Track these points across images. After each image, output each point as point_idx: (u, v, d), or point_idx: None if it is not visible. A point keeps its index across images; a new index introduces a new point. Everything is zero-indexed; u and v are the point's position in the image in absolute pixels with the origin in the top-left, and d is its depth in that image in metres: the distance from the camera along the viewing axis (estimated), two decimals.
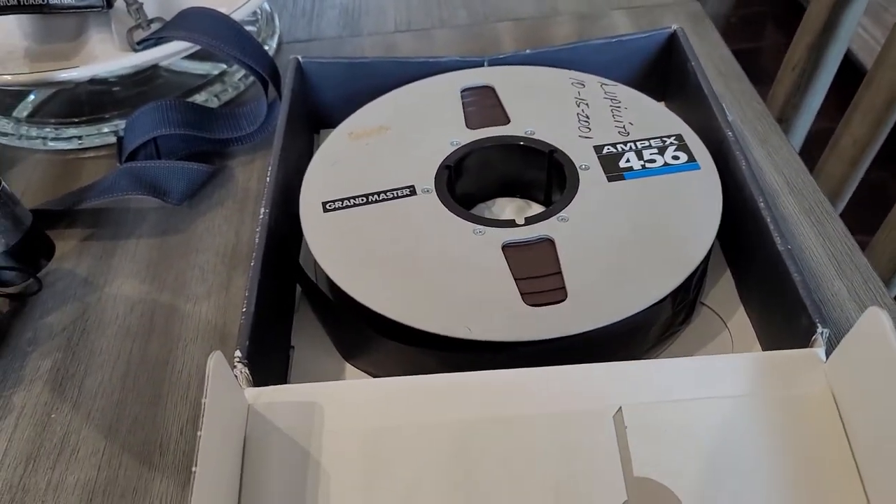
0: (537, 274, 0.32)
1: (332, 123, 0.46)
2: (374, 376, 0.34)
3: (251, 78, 0.53)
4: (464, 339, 0.30)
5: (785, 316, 0.30)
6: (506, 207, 0.40)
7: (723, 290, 0.36)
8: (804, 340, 0.29)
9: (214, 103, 0.50)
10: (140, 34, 0.45)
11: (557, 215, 0.35)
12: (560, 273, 0.32)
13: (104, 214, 0.44)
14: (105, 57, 0.45)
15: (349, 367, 0.35)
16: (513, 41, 0.55)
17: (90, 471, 0.32)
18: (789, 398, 0.27)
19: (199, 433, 0.23)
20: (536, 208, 0.40)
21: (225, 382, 0.25)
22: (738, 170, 0.34)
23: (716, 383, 0.27)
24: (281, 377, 0.34)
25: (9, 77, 0.45)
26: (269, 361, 0.32)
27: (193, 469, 0.22)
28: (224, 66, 0.53)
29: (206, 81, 0.52)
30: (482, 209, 0.40)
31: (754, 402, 0.27)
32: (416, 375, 0.28)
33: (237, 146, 0.47)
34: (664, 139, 0.38)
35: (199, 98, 0.50)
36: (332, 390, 0.28)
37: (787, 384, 0.27)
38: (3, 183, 0.36)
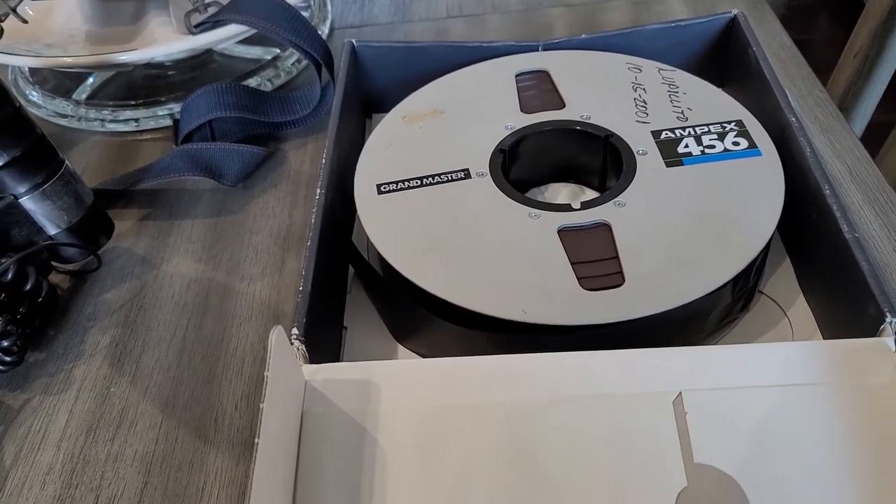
0: (594, 258, 0.32)
1: (385, 108, 0.46)
2: (424, 356, 0.34)
3: (304, 63, 0.53)
4: (519, 322, 0.30)
5: (850, 305, 0.30)
6: (560, 192, 0.40)
7: (782, 280, 0.35)
8: (871, 330, 0.28)
9: (268, 87, 0.51)
10: (197, 18, 0.45)
11: (614, 200, 0.34)
12: (617, 258, 0.32)
13: (160, 195, 0.44)
14: (164, 40, 0.45)
15: (401, 349, 0.35)
16: (566, 27, 0.54)
17: (148, 443, 0.33)
18: (857, 388, 0.26)
19: (261, 405, 0.23)
20: (591, 194, 0.40)
21: (285, 358, 0.26)
22: (802, 156, 0.34)
23: (780, 371, 0.27)
24: (334, 357, 0.34)
25: (69, 59, 0.46)
26: (322, 340, 0.32)
27: (256, 440, 0.22)
28: (277, 51, 0.53)
29: (259, 66, 0.52)
30: (536, 194, 0.40)
31: (820, 392, 0.26)
32: (472, 356, 0.28)
33: (290, 129, 0.47)
34: (724, 125, 0.37)
35: (252, 82, 0.51)
36: (388, 369, 0.28)
37: (854, 374, 0.26)
38: (66, 162, 0.37)
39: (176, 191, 0.45)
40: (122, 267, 0.41)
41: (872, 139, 0.66)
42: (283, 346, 0.25)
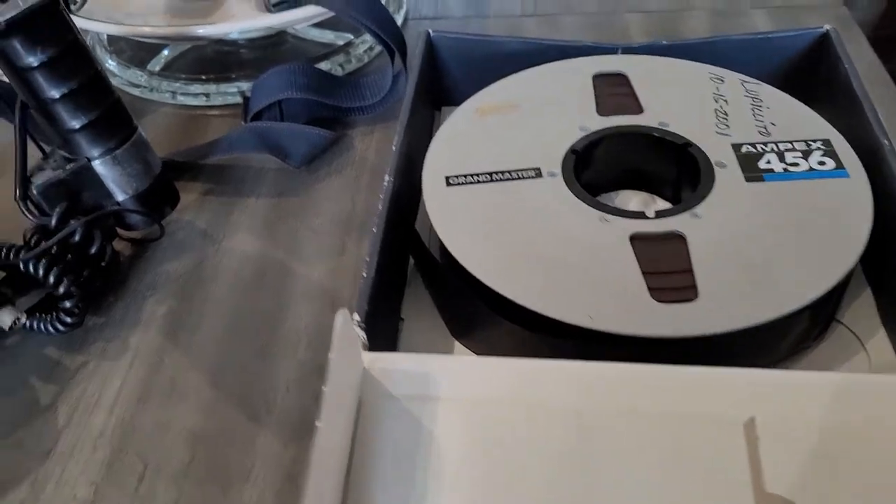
0: (666, 270, 0.31)
1: (455, 101, 0.46)
2: (483, 355, 0.33)
3: (376, 51, 0.53)
4: (584, 329, 0.29)
5: None
6: (630, 200, 0.39)
7: (862, 310, 0.33)
8: None
9: (338, 73, 0.51)
10: None
11: (690, 211, 0.33)
12: (691, 271, 0.31)
13: (226, 171, 0.45)
14: (242, 16, 0.45)
15: (458, 346, 0.34)
16: (643, 33, 0.53)
17: (197, 417, 0.33)
18: None
19: (324, 388, 0.22)
20: (663, 204, 0.39)
21: (348, 342, 0.25)
22: (894, 180, 0.32)
23: (861, 404, 0.25)
24: (390, 347, 0.33)
25: (148, 29, 0.46)
26: (380, 330, 0.32)
27: (317, 423, 0.22)
28: (350, 37, 0.53)
29: (331, 51, 0.52)
30: (605, 200, 0.39)
31: None
32: (536, 358, 0.27)
33: (358, 116, 0.47)
34: (809, 143, 0.36)
35: (323, 66, 0.50)
36: (448, 363, 0.27)
37: None
38: (138, 128, 0.37)
39: (241, 168, 0.45)
40: (184, 239, 0.41)
41: None
42: (347, 330, 0.25)
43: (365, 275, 0.30)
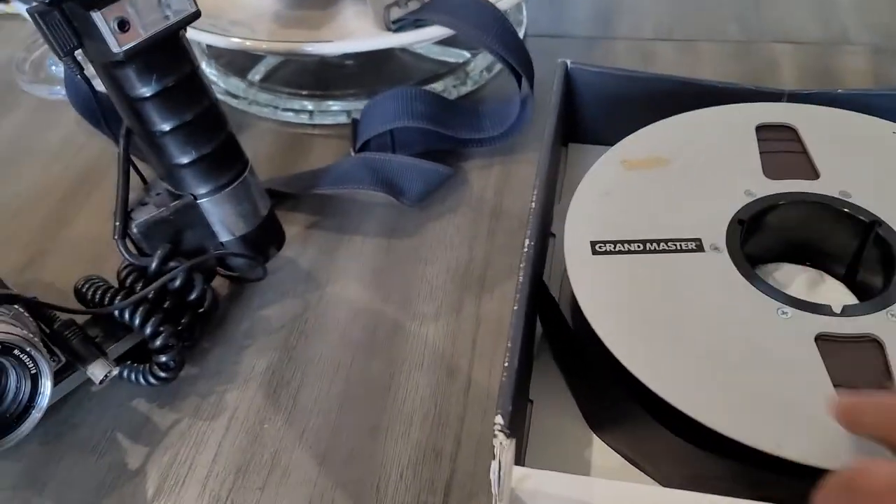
0: (861, 383, 0.26)
1: (586, 138, 0.41)
2: (628, 458, 0.29)
3: (494, 71, 0.48)
4: (765, 454, 0.24)
5: None
6: (795, 278, 0.34)
7: None
8: None
9: (451, 95, 0.46)
10: (397, 12, 0.41)
11: (887, 309, 0.28)
12: (892, 387, 0.26)
13: (329, 202, 0.41)
14: (358, 34, 0.41)
15: (596, 440, 0.30)
16: (794, 68, 0.47)
17: (300, 501, 0.29)
18: None
19: None
20: (831, 283, 0.34)
21: (508, 469, 0.21)
22: None
23: None
24: (520, 441, 0.29)
25: (250, 43, 0.42)
26: (513, 420, 0.28)
27: None
28: (467, 55, 0.48)
29: (444, 71, 0.47)
30: (765, 274, 0.34)
31: None
32: (721, 497, 0.23)
33: (475, 147, 0.43)
34: None
35: (436, 87, 0.46)
36: (614, 492, 0.23)
37: None
38: (249, 164, 0.34)
39: (346, 200, 0.41)
40: (285, 280, 0.37)
41: None
42: (510, 460, 0.21)
43: (507, 365, 0.26)
